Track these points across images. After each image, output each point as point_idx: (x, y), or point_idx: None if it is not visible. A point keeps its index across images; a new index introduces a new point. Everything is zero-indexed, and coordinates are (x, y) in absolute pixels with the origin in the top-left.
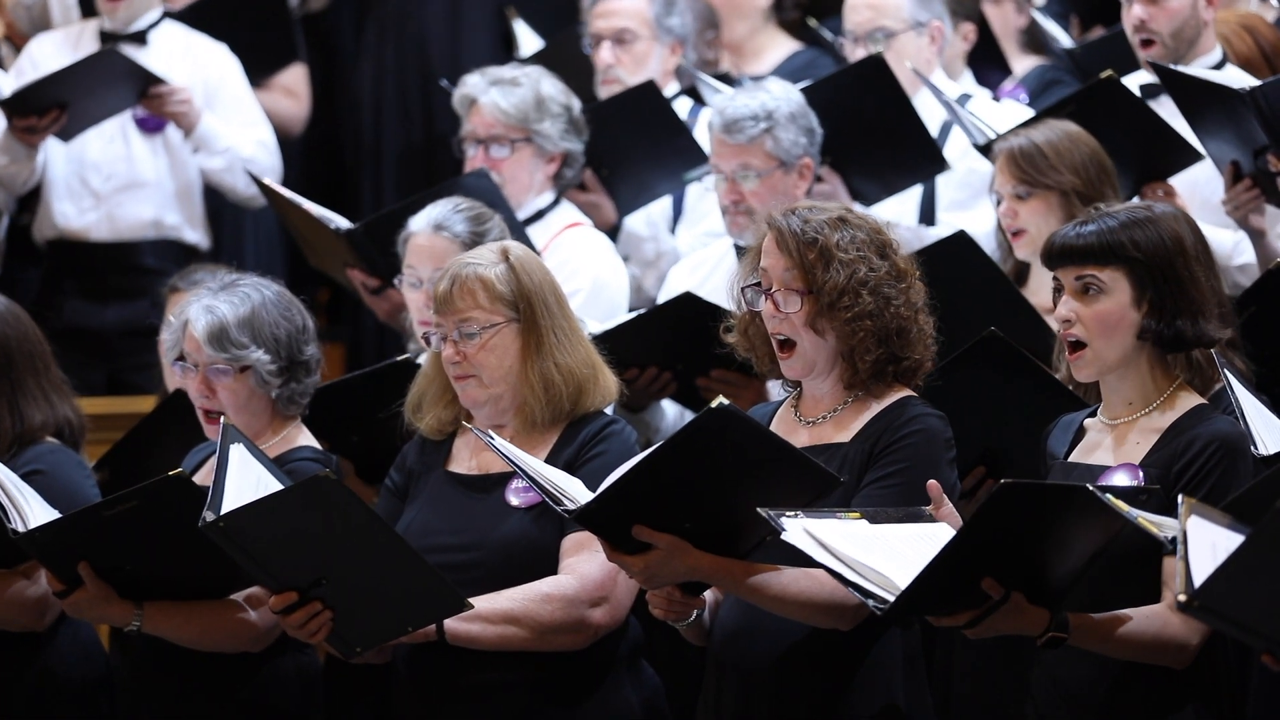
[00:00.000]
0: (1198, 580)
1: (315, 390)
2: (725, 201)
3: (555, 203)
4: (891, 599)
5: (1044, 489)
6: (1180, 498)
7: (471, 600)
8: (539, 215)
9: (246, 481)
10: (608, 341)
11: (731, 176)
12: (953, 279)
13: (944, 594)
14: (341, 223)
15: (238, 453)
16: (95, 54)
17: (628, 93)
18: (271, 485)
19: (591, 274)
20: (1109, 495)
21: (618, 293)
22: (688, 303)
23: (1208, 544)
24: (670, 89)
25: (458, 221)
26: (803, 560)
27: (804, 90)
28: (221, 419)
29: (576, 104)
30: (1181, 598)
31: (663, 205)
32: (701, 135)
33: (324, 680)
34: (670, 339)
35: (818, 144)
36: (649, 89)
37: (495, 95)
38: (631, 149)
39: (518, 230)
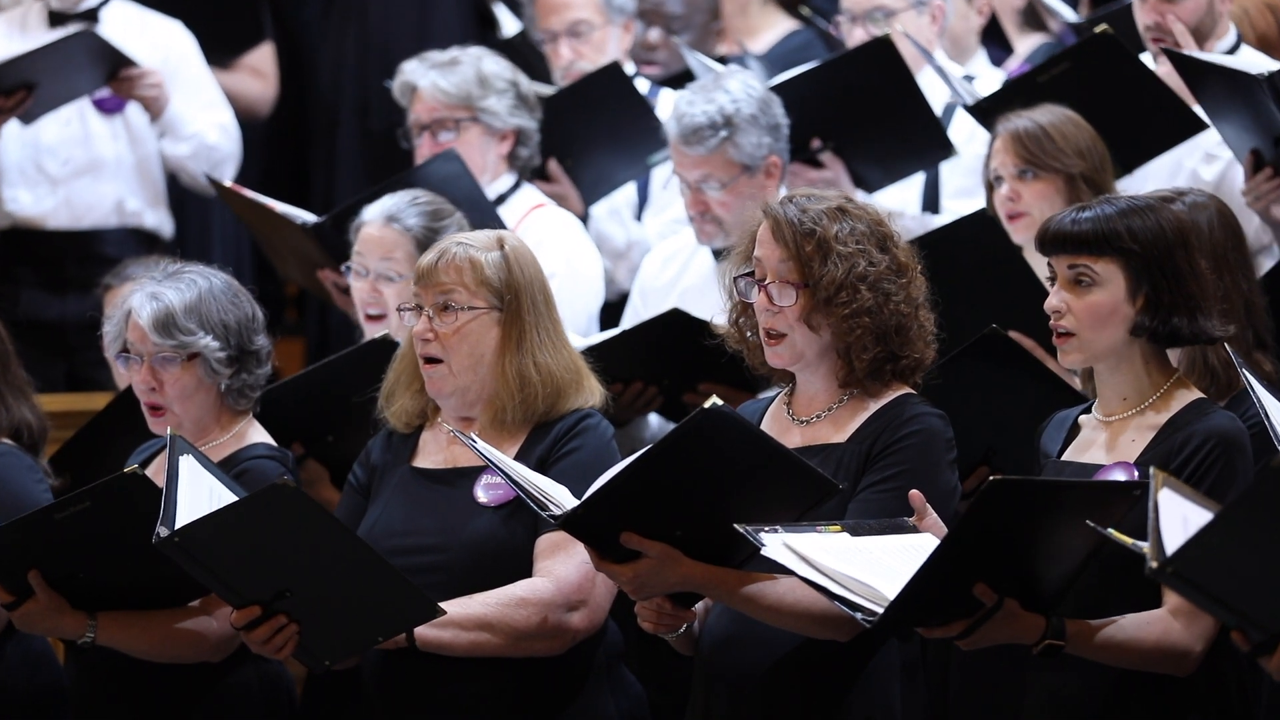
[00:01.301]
0: (1170, 549)
1: (286, 383)
2: (691, 211)
3: (517, 185)
4: (880, 610)
5: (1036, 485)
6: (1151, 469)
7: (443, 605)
8: (501, 200)
9: (199, 494)
10: (592, 355)
11: (695, 187)
12: (971, 260)
13: (934, 602)
14: (308, 218)
15: (187, 464)
16: (71, 34)
17: (592, 76)
18: (224, 496)
19: (565, 256)
20: (1110, 530)
21: (593, 275)
22: (675, 319)
23: (1179, 517)
24: (626, 71)
25: (412, 215)
26: None
27: (808, 73)
28: (169, 431)
29: (524, 80)
30: (1153, 564)
31: (626, 194)
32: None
33: (304, 689)
34: (656, 353)
35: (784, 137)
36: (614, 71)
37: (434, 77)
38: (595, 135)
39: (489, 211)
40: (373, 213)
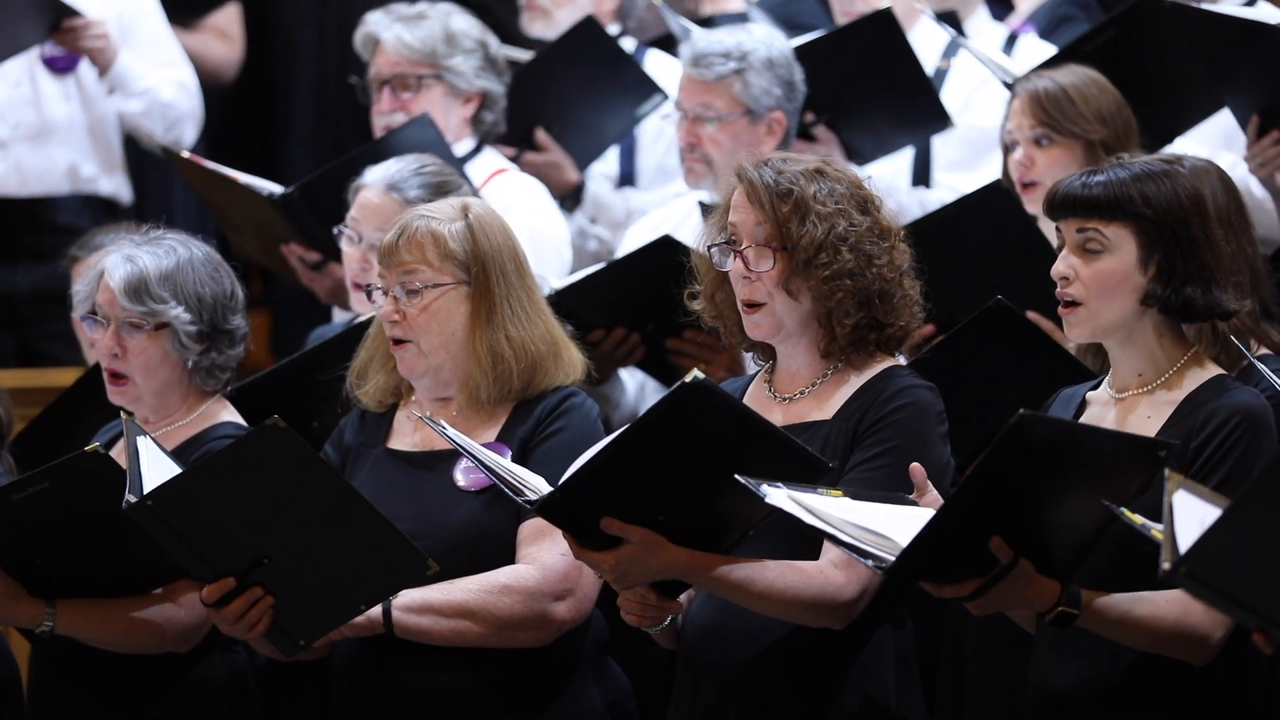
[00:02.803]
0: (1184, 548)
1: (271, 372)
2: (682, 144)
3: (478, 149)
4: (892, 558)
5: (1064, 425)
6: (1166, 471)
7: (422, 591)
8: (460, 163)
9: (160, 470)
10: (572, 295)
11: (692, 115)
12: (985, 237)
13: (949, 554)
14: (274, 189)
15: (145, 444)
16: None
17: (568, 34)
18: None
19: (528, 222)
20: (1123, 510)
21: (559, 240)
22: (666, 248)
23: (1195, 518)
24: (610, 31)
25: (414, 186)
26: (789, 554)
27: (804, 46)
28: (122, 413)
29: (494, 41)
30: (1165, 565)
31: (606, 167)
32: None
33: (258, 681)
34: (642, 293)
35: (797, 101)
36: (589, 25)
37: (399, 30)
38: (578, 96)
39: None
40: (374, 177)
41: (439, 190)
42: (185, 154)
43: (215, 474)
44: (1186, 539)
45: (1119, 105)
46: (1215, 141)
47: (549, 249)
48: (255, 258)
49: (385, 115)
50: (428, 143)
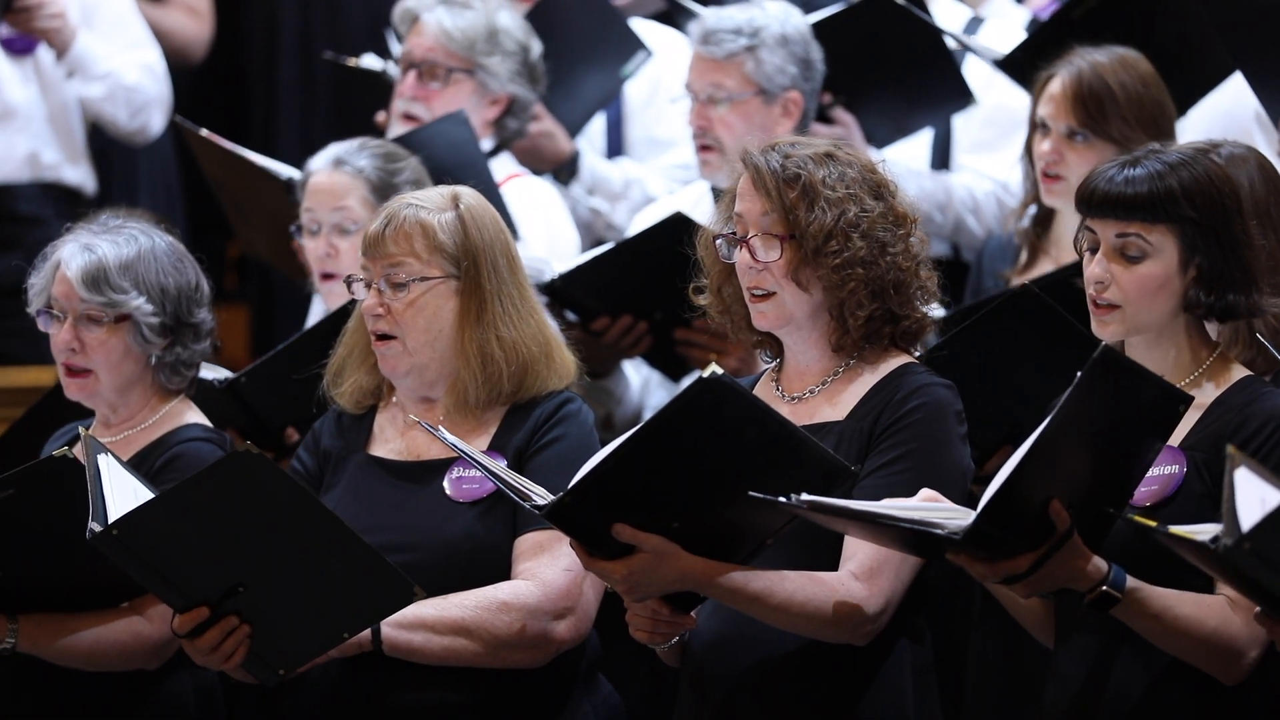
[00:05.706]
0: (1247, 527)
1: (250, 371)
2: (693, 126)
3: (494, 152)
4: (966, 523)
5: (1138, 368)
6: (1228, 447)
7: (415, 606)
8: (487, 164)
9: (125, 492)
10: (578, 279)
11: (702, 97)
12: (1017, 339)
13: (1014, 521)
14: (295, 175)
15: (106, 462)
16: None
17: None
18: (149, 496)
19: (543, 223)
20: (1136, 517)
21: (571, 244)
22: (679, 226)
23: (1256, 497)
24: None
25: (362, 157)
26: (804, 567)
27: (820, 23)
28: (80, 429)
29: (538, 47)
30: (1228, 541)
31: (594, 142)
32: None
33: (227, 699)
34: (650, 278)
35: (815, 81)
36: None
37: (441, 15)
38: (564, 58)
39: (489, 184)
40: (319, 160)
41: (389, 159)
42: (203, 132)
43: (185, 501)
44: (1249, 520)
45: (1160, 108)
46: (1214, 130)
47: (566, 253)
48: (264, 256)
49: (406, 100)
50: (459, 141)
